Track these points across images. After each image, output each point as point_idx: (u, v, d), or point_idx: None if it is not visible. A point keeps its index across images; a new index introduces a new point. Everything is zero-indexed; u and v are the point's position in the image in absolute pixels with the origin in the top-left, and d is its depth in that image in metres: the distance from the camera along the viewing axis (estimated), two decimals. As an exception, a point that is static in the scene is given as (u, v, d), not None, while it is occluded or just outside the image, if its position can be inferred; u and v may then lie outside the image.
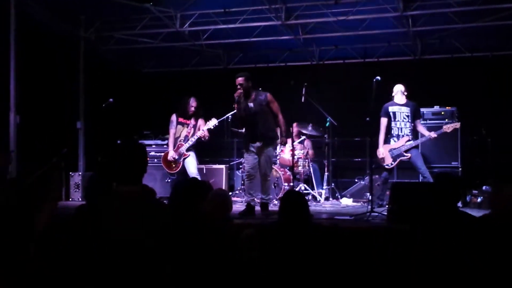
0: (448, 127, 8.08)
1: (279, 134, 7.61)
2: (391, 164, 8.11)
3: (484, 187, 8.39)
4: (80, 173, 9.87)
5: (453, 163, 8.77)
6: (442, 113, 8.81)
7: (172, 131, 8.29)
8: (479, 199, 8.32)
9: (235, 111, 7.30)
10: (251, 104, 7.13)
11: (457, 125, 8.16)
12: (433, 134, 8.01)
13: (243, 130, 7.57)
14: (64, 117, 10.51)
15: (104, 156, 8.55)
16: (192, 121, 8.21)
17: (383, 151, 8.12)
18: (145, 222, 2.86)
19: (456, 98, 9.81)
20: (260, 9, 9.93)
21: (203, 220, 3.82)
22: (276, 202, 9.08)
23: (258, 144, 7.14)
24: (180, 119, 8.27)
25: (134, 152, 3.06)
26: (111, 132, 10.14)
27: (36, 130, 9.45)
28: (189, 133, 8.15)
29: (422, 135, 8.14)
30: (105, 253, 2.79)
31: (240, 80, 7.15)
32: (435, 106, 9.21)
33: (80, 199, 9.31)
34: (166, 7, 9.98)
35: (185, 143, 8.13)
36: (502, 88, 10.66)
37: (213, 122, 8.07)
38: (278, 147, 10.06)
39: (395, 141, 8.10)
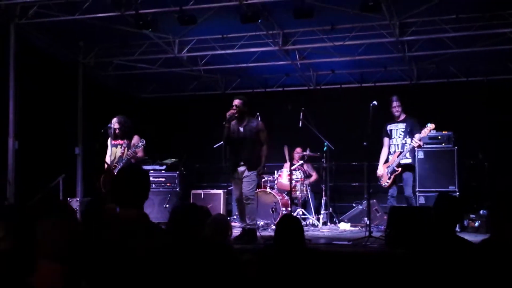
0: (424, 132, 7.91)
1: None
2: (387, 182, 8.08)
3: (481, 211, 8.39)
4: (78, 198, 9.84)
5: (450, 187, 8.75)
6: (439, 137, 8.84)
7: (107, 153, 8.03)
8: (476, 224, 8.31)
9: (225, 129, 7.14)
10: (241, 129, 7.14)
11: (432, 126, 7.93)
12: (414, 143, 7.88)
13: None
14: (62, 142, 10.52)
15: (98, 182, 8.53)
16: (125, 141, 7.89)
17: (381, 170, 8.16)
18: (147, 245, 2.87)
19: (453, 122, 9.86)
20: (258, 34, 10.02)
21: (203, 245, 3.82)
22: (274, 227, 9.07)
23: (241, 168, 7.12)
24: (113, 141, 7.98)
25: (139, 176, 3.09)
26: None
27: (35, 155, 9.46)
28: (122, 153, 7.83)
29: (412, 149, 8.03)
30: (104, 275, 2.80)
31: (237, 102, 7.15)
32: (431, 131, 9.25)
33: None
34: (164, 33, 10.07)
35: (118, 164, 7.77)
36: (498, 112, 10.73)
37: (141, 143, 7.70)
38: (275, 172, 10.11)
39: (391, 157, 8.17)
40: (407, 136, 8.08)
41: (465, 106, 10.92)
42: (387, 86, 11.84)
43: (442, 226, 3.74)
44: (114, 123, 7.93)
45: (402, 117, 8.21)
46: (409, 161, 8.13)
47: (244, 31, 9.95)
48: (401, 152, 8.01)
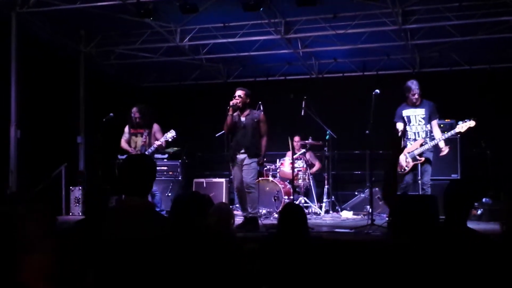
0: (461, 127, 7.40)
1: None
2: (404, 170, 7.52)
3: (484, 200, 8.39)
4: (80, 187, 9.85)
5: (452, 175, 8.75)
6: (441, 125, 8.77)
7: (122, 139, 8.12)
8: (479, 212, 8.31)
9: (228, 118, 7.18)
10: (243, 119, 7.22)
11: (472, 123, 7.41)
12: (443, 137, 7.43)
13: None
14: (64, 131, 10.54)
15: (105, 171, 8.56)
16: (146, 130, 7.98)
17: (403, 158, 7.48)
18: (151, 233, 2.88)
19: (455, 110, 9.80)
20: (259, 23, 9.98)
21: (206, 234, 3.83)
22: (276, 215, 9.08)
23: (241, 156, 7.17)
24: (132, 130, 8.07)
25: (147, 165, 3.09)
26: (112, 147, 10.16)
27: (37, 144, 9.47)
28: (144, 142, 7.93)
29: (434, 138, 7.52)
30: (109, 264, 2.80)
31: (240, 92, 7.26)
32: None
33: (80, 214, 9.29)
34: (166, 22, 10.04)
35: (141, 152, 7.81)
36: (501, 100, 10.70)
37: (171, 134, 7.84)
38: (277, 161, 10.13)
39: (411, 144, 7.57)
40: (428, 123, 7.56)
41: (468, 94, 10.88)
42: (389, 74, 11.81)
43: (454, 215, 3.60)
44: (135, 112, 8.00)
45: (419, 101, 7.56)
46: (431, 155, 7.60)
47: (246, 20, 9.91)
48: (425, 141, 7.46)
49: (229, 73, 12.96)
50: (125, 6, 8.84)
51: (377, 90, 7.42)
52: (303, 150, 10.29)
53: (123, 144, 8.14)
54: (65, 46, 10.59)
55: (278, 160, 10.21)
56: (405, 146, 7.58)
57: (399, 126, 7.64)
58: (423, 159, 7.44)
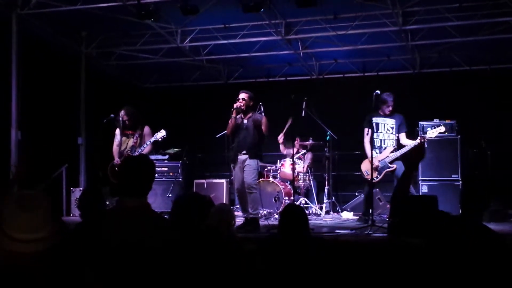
0: (432, 132, 7.78)
1: None
2: (377, 177, 7.86)
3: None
4: (81, 188, 9.87)
5: (453, 176, 8.75)
6: (442, 126, 8.82)
7: (114, 143, 8.12)
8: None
9: (231, 120, 7.28)
10: (246, 121, 7.28)
11: (441, 128, 7.87)
12: (415, 142, 7.69)
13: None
14: (65, 132, 10.54)
15: (105, 172, 8.56)
16: (137, 131, 7.99)
17: (376, 163, 7.82)
18: (151, 235, 2.88)
19: (455, 111, 9.84)
20: (260, 24, 9.99)
21: (207, 235, 3.84)
22: (277, 216, 9.09)
23: (243, 157, 7.23)
24: (123, 132, 8.08)
25: (145, 166, 3.10)
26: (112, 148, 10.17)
27: (38, 145, 9.47)
28: (135, 143, 7.93)
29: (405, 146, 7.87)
30: (108, 267, 2.81)
31: (244, 95, 7.31)
32: (434, 120, 9.20)
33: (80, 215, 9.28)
34: (167, 23, 10.04)
35: (132, 153, 7.82)
36: (501, 101, 10.71)
37: (161, 134, 7.83)
38: (278, 162, 10.14)
39: (377, 153, 7.86)
40: (396, 133, 7.94)
41: (468, 95, 10.89)
42: (390, 75, 11.83)
43: (470, 214, 3.51)
44: (123, 115, 7.98)
45: (390, 112, 8.01)
46: (400, 163, 7.86)
47: (246, 21, 9.92)
48: (395, 149, 7.83)
49: (230, 74, 12.96)
50: (125, 7, 8.85)
51: (377, 91, 7.44)
52: (304, 151, 10.28)
53: (115, 148, 8.12)
54: (66, 47, 10.60)
55: (278, 161, 10.22)
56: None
57: (369, 132, 7.88)
58: (394, 166, 7.76)
